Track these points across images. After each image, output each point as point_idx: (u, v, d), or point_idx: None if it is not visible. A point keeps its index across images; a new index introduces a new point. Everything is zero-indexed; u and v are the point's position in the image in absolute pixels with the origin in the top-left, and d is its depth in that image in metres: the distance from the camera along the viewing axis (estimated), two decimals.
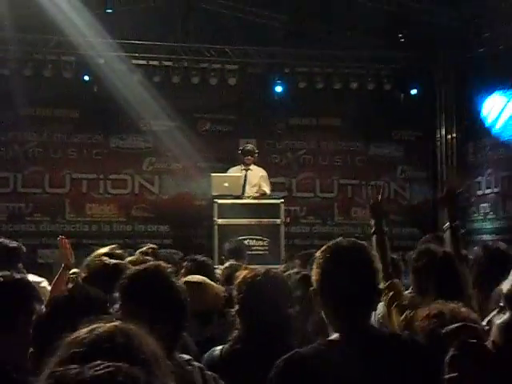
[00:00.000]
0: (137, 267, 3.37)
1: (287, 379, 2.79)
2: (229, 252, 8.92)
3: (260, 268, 3.97)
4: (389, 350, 2.80)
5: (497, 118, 13.81)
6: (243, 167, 12.15)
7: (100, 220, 14.23)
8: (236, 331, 3.81)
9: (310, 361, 2.76)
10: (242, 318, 3.76)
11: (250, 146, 12.47)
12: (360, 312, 2.88)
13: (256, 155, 12.41)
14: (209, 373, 3.15)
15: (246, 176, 12.09)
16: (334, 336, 2.87)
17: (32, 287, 3.37)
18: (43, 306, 3.26)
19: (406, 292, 4.52)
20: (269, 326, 3.58)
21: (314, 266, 2.97)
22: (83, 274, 4.90)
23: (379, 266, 3.01)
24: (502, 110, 13.62)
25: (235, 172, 12.20)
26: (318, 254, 2.99)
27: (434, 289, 4.04)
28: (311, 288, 2.98)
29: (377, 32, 13.70)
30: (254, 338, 3.62)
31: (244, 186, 12.01)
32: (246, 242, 10.92)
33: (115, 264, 4.63)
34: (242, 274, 3.99)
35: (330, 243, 3.03)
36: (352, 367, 2.66)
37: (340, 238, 3.09)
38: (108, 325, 1.74)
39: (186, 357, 3.11)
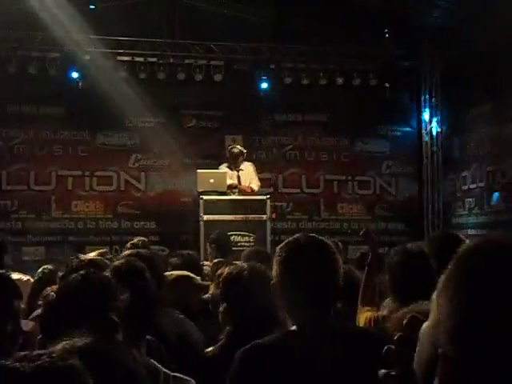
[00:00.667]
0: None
1: (246, 370, 2.82)
2: (215, 246, 8.89)
3: (243, 264, 3.97)
4: (346, 342, 2.82)
5: None
6: (234, 168, 12.09)
7: (86, 217, 14.19)
8: (225, 329, 3.83)
9: (268, 351, 2.79)
10: (230, 315, 3.76)
11: (237, 149, 12.32)
12: (318, 307, 2.89)
13: (244, 155, 12.37)
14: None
15: (238, 177, 12.06)
16: (293, 328, 2.93)
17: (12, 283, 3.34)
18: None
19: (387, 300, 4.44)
20: (257, 320, 3.59)
21: (274, 262, 2.99)
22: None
23: (340, 262, 3.00)
24: None
25: (225, 169, 12.17)
26: (277, 249, 3.01)
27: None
28: (271, 282, 3.01)
29: (363, 27, 13.70)
30: (244, 334, 3.62)
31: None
32: (232, 237, 10.89)
33: None
34: (225, 270, 4.00)
35: (289, 239, 3.04)
36: (309, 358, 2.69)
37: (299, 234, 3.09)
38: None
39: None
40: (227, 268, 4.00)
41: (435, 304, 1.42)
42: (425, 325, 1.58)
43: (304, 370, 2.70)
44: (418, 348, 1.67)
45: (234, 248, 9.63)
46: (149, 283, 3.40)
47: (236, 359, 2.86)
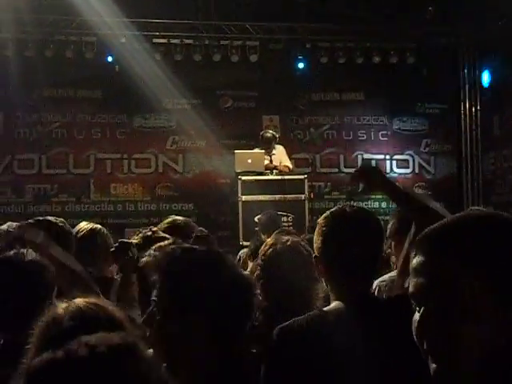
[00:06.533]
0: None
1: (284, 348, 2.78)
2: (263, 225, 8.81)
3: (280, 238, 3.92)
4: (388, 315, 2.75)
5: None
6: (266, 154, 12.06)
7: (125, 199, 14.28)
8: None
9: (308, 329, 2.75)
10: (266, 291, 3.75)
11: (269, 133, 12.32)
12: (361, 279, 2.85)
13: (277, 139, 12.34)
14: None
15: (271, 161, 12.05)
16: (334, 304, 2.85)
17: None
18: None
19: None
20: (292, 298, 3.56)
21: (316, 234, 2.95)
22: None
23: (384, 233, 2.97)
24: None
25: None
26: (319, 220, 2.97)
27: None
28: (313, 255, 2.97)
29: (401, 5, 13.56)
30: (279, 310, 3.60)
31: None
32: None
33: None
34: (262, 248, 3.97)
35: (333, 209, 3.00)
36: (350, 334, 2.62)
37: (342, 204, 3.06)
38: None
39: None
40: (265, 244, 3.96)
41: None
42: None
43: (345, 347, 2.65)
44: None
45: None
46: None
47: (273, 336, 2.83)
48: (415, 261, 1.57)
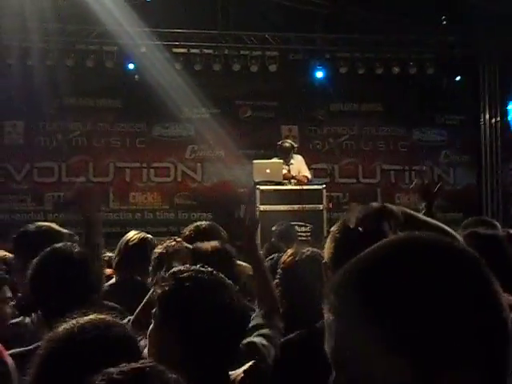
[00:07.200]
0: None
1: (287, 362, 2.78)
2: (278, 235, 8.81)
3: (300, 249, 3.96)
4: None
5: None
6: (284, 164, 12.04)
7: (143, 208, 14.33)
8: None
9: (311, 342, 2.74)
10: (284, 298, 3.77)
11: (288, 143, 12.26)
12: None
13: (295, 149, 12.31)
14: None
15: (289, 171, 12.03)
16: None
17: None
18: None
19: None
20: (310, 304, 3.57)
21: (328, 240, 2.94)
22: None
23: None
24: None
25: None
26: (333, 228, 2.96)
27: None
28: (323, 262, 2.97)
29: (419, 16, 13.55)
30: (297, 319, 3.62)
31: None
32: None
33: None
34: (283, 257, 4.01)
35: (345, 217, 3.00)
36: None
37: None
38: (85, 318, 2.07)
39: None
40: (285, 253, 4.01)
41: None
42: None
43: None
44: None
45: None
46: None
47: (278, 349, 2.84)
48: (326, 316, 1.25)
